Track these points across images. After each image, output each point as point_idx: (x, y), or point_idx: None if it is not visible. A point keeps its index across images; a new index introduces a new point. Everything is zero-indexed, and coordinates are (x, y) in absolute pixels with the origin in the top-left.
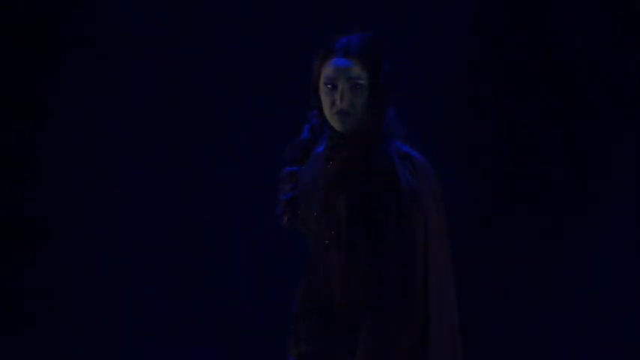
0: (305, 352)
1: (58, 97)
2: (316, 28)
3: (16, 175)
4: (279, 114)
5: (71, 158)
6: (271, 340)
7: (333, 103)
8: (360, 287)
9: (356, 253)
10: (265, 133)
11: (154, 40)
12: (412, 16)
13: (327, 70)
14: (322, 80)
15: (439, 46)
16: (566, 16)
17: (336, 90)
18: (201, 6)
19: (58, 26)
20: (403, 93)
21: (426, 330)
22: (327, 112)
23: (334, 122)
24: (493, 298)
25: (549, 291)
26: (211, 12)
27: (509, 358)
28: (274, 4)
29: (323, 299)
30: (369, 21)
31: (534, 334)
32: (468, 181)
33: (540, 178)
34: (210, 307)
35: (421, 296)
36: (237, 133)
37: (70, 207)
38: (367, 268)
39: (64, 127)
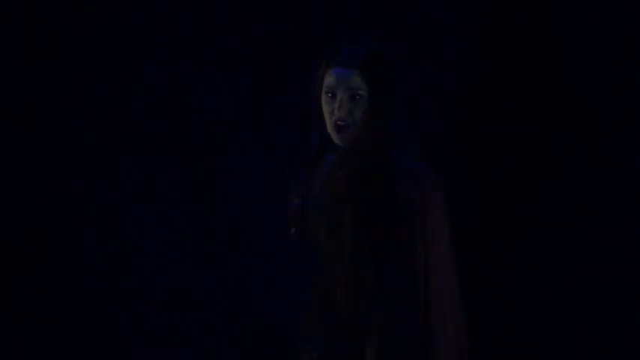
0: (314, 358)
1: (68, 101)
2: (319, 30)
3: (26, 178)
4: (285, 117)
5: (80, 163)
6: (283, 346)
7: (332, 112)
8: (363, 299)
9: (359, 265)
10: (273, 137)
11: (157, 42)
12: (415, 19)
13: (328, 79)
14: (323, 89)
15: (445, 52)
16: (572, 19)
17: (336, 99)
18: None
19: (63, 27)
20: (409, 99)
21: (431, 331)
22: (327, 121)
23: (332, 134)
24: (497, 302)
25: (553, 296)
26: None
27: (510, 358)
28: (282, 7)
29: (327, 308)
30: (371, 24)
31: (536, 338)
32: (473, 187)
33: (544, 181)
34: (218, 312)
35: (422, 299)
36: (247, 140)
37: (80, 212)
38: (369, 279)
39: (72, 130)
